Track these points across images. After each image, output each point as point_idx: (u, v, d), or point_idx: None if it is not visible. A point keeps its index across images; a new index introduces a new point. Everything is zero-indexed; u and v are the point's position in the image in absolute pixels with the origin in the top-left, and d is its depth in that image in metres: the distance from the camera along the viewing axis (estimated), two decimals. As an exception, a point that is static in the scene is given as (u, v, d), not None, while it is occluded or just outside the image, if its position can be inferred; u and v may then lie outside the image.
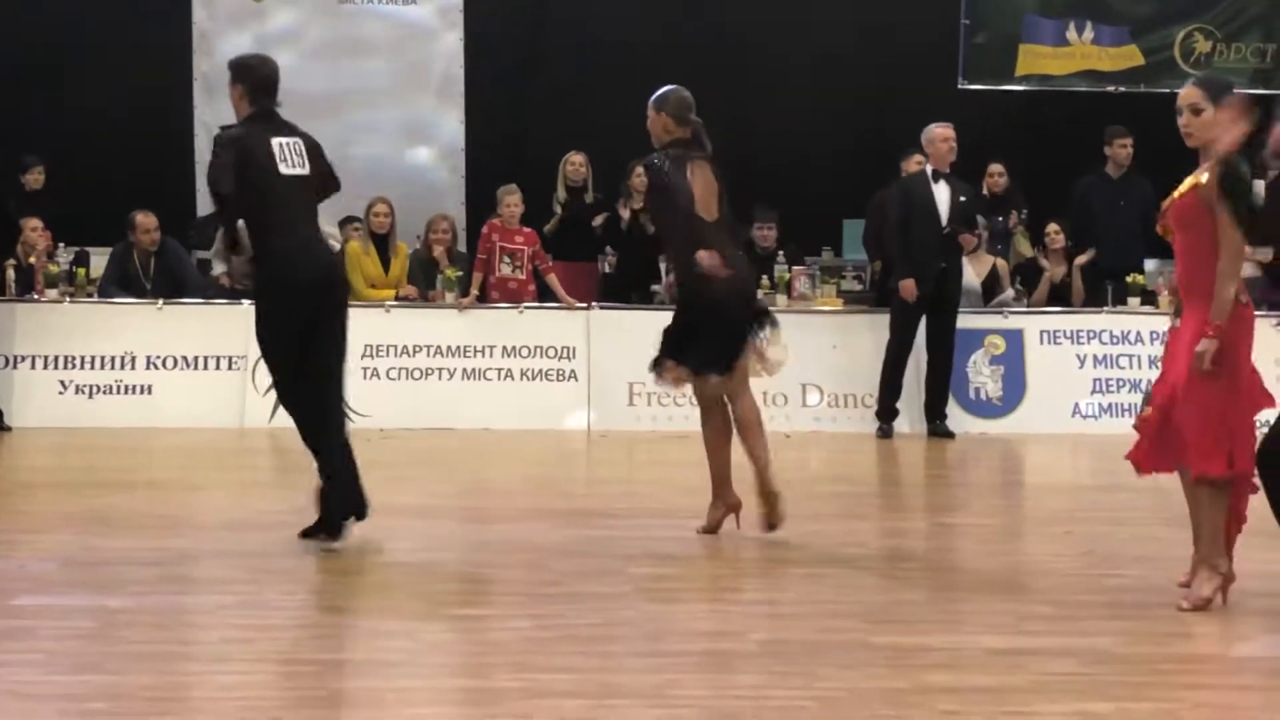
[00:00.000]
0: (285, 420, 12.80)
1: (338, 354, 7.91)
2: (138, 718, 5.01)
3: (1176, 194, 6.69)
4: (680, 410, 13.02)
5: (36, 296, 13.17)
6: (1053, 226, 13.97)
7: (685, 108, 8.16)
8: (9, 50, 14.53)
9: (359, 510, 7.76)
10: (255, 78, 7.86)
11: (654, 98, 8.23)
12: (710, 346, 8.03)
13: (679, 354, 8.12)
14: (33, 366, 13.00)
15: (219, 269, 13.61)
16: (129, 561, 7.53)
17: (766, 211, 13.95)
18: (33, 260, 13.24)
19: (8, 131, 13.71)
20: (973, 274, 13.64)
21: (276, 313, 7.75)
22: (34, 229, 13.30)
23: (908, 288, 12.69)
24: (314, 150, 7.86)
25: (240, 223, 7.91)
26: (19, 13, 14.69)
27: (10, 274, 13.10)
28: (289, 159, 7.68)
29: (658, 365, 8.24)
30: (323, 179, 7.99)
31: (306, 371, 7.82)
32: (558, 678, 5.48)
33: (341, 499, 7.71)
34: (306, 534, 7.83)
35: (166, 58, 14.68)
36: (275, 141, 7.67)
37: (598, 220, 13.93)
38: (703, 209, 8.03)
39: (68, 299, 13.22)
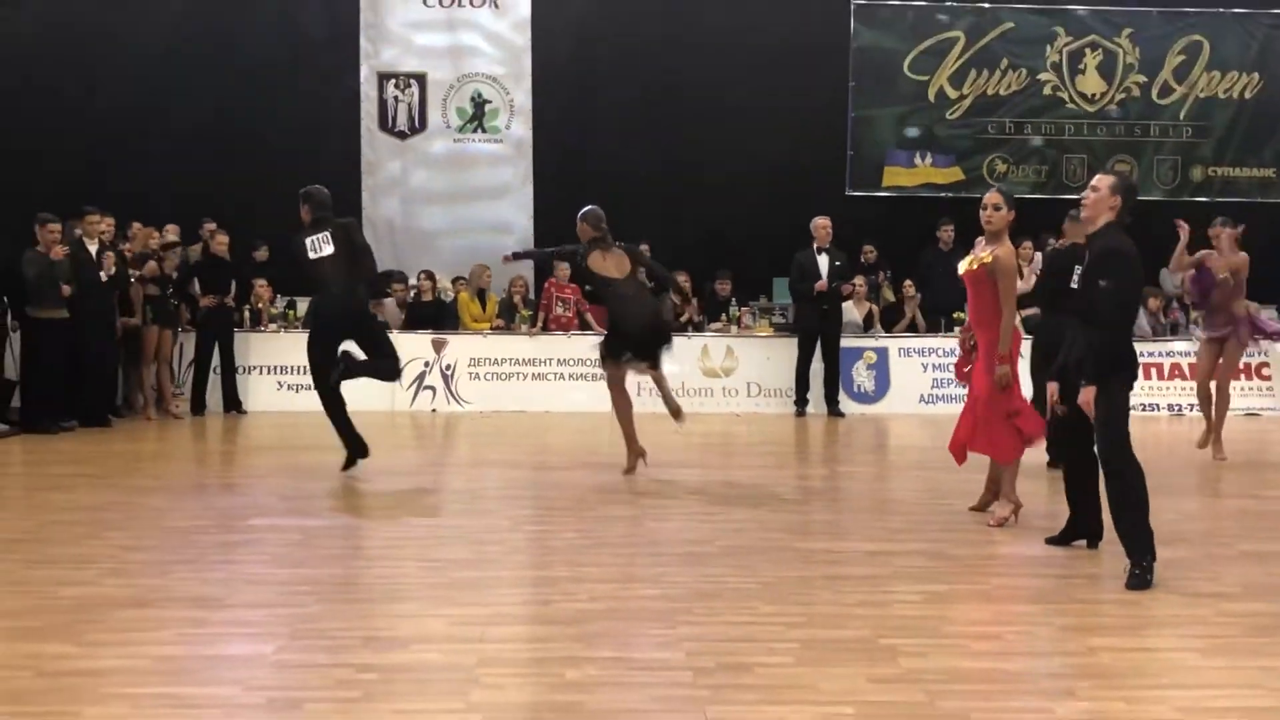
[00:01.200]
0: (420, 405, 12.96)
1: (377, 344, 8.34)
2: (327, 596, 5.02)
3: (968, 265, 6.63)
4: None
5: (263, 329, 13.20)
6: (908, 282, 13.95)
7: (598, 219, 8.48)
8: (241, 160, 14.37)
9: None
10: (313, 201, 8.34)
11: (580, 214, 8.51)
12: (610, 347, 8.44)
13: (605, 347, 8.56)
14: (260, 373, 13.00)
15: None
16: (322, 496, 7.56)
17: (725, 271, 14.05)
18: (260, 306, 13.30)
19: (246, 224, 13.60)
20: (856, 314, 13.66)
21: (316, 334, 8.24)
22: (261, 286, 13.36)
23: (821, 286, 12.66)
24: (337, 233, 8.20)
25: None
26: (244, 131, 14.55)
27: (246, 315, 13.18)
28: (318, 248, 8.14)
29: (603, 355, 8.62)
30: (354, 252, 8.23)
31: (365, 351, 8.32)
32: (594, 569, 5.49)
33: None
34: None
35: (349, 175, 14.56)
36: (308, 239, 8.16)
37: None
38: (615, 271, 8.40)
39: (283, 330, 13.22)
